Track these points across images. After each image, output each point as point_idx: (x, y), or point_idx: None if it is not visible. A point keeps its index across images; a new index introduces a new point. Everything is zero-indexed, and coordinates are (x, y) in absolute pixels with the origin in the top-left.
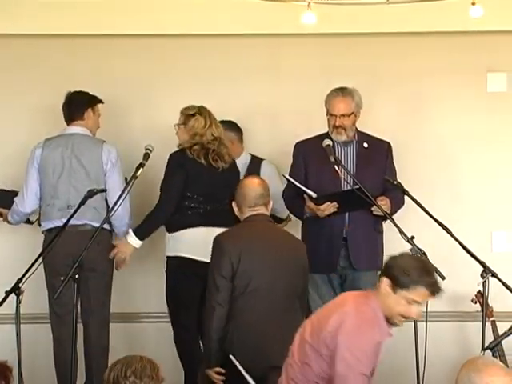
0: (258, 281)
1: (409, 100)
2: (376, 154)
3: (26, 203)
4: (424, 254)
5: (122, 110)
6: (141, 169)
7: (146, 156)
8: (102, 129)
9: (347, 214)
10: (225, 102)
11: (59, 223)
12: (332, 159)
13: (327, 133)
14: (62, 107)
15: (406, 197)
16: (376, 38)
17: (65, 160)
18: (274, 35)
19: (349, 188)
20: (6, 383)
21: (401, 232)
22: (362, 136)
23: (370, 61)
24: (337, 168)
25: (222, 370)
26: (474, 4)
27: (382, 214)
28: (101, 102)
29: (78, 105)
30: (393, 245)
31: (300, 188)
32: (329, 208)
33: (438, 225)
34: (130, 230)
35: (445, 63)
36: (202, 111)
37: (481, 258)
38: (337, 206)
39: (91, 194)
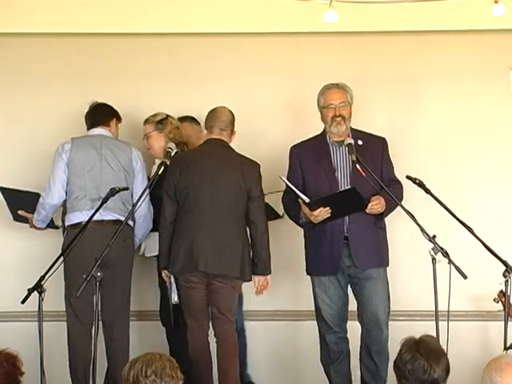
0: (196, 196)
1: (432, 98)
2: (371, 151)
3: (54, 193)
4: (446, 253)
5: (135, 108)
6: (162, 167)
7: (168, 154)
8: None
9: None
10: (245, 100)
11: (89, 214)
12: (354, 158)
13: (322, 133)
14: (87, 115)
15: (427, 196)
16: (398, 36)
17: (95, 157)
18: (294, 33)
19: (341, 189)
20: (13, 371)
21: (422, 231)
22: (356, 133)
23: (391, 59)
24: (359, 167)
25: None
26: (496, 2)
27: (376, 213)
28: (121, 119)
29: (105, 113)
30: (395, 241)
31: (294, 192)
32: (322, 214)
33: (459, 223)
34: None
35: (467, 61)
36: (168, 115)
37: (503, 257)
38: (330, 211)
39: (113, 192)
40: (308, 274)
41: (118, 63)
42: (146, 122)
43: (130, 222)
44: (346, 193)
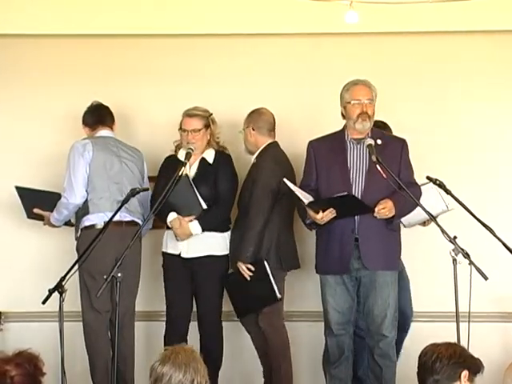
0: (288, 200)
1: (457, 99)
2: (389, 152)
3: (77, 193)
4: (467, 254)
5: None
6: (183, 168)
7: (188, 155)
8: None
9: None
10: (264, 101)
11: (110, 215)
12: (374, 159)
13: (341, 130)
14: (88, 113)
15: (448, 196)
16: (419, 36)
17: (115, 159)
18: (314, 34)
19: (341, 194)
20: (34, 372)
21: (443, 232)
22: (377, 133)
23: (414, 60)
24: (379, 168)
25: (252, 268)
26: None
27: (384, 217)
28: None
29: (109, 115)
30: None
31: (294, 192)
32: (327, 215)
33: (480, 225)
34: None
35: (492, 62)
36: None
37: None
38: (334, 211)
39: (134, 192)
40: (317, 272)
41: (118, 64)
42: (194, 115)
43: (141, 223)
44: (343, 198)
